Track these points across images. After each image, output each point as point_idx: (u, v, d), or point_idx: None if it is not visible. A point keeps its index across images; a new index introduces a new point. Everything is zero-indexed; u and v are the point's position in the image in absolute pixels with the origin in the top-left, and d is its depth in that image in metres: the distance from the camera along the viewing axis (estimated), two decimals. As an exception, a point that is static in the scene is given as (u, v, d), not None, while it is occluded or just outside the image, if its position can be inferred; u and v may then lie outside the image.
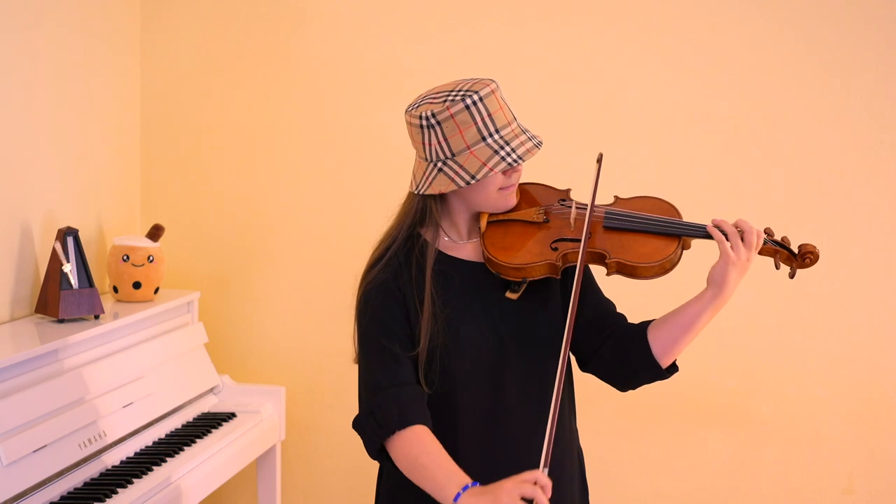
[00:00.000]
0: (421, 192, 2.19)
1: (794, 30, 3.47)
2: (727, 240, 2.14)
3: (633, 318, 2.31)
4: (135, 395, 3.06)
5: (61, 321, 3.07)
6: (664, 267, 2.20)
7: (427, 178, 2.17)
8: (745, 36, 3.49)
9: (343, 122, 3.72)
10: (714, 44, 3.51)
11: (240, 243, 3.82)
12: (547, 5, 3.58)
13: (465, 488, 1.98)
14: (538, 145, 2.17)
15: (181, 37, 3.79)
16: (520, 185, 2.28)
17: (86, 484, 2.77)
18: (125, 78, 3.74)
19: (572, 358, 2.33)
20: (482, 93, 2.13)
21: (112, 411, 2.94)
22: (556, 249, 2.21)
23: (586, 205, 2.25)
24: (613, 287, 2.43)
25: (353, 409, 2.21)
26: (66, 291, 3.06)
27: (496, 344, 2.21)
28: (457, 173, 2.13)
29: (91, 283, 3.13)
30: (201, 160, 3.82)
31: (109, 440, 2.90)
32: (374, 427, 2.10)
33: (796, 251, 2.25)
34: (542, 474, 1.95)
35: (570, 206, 2.27)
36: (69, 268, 3.03)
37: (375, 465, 2.34)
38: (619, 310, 2.33)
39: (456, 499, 1.98)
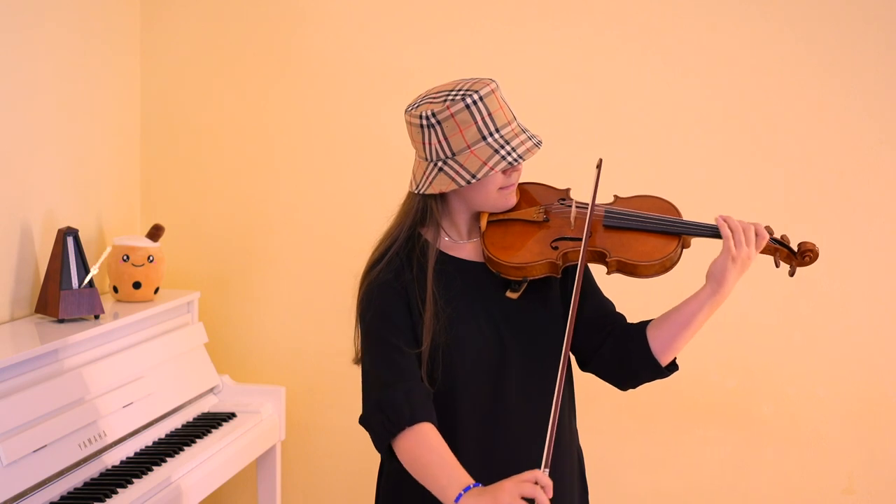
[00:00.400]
0: (421, 192, 2.19)
1: (794, 30, 3.47)
2: (732, 235, 2.15)
3: (633, 317, 2.31)
4: (135, 395, 3.06)
5: (61, 321, 3.07)
6: (664, 265, 2.20)
7: (427, 178, 2.17)
8: (745, 36, 3.49)
9: (343, 122, 3.72)
10: (714, 44, 3.51)
11: (240, 243, 3.82)
12: (547, 5, 3.58)
13: (467, 489, 1.98)
14: (538, 144, 2.17)
15: (181, 37, 3.79)
16: (519, 184, 2.28)
17: (86, 484, 2.77)
18: (125, 78, 3.73)
19: (572, 358, 2.33)
20: (482, 92, 2.13)
21: (112, 411, 2.94)
22: (556, 248, 2.21)
23: (586, 204, 2.25)
24: (613, 287, 2.43)
25: (353, 409, 2.21)
26: (66, 291, 3.06)
27: (496, 344, 2.21)
28: (457, 172, 2.13)
29: (91, 283, 3.13)
30: (201, 160, 3.82)
31: (109, 440, 2.90)
32: (385, 422, 2.09)
33: (796, 249, 2.25)
34: (542, 474, 1.95)
35: (570, 206, 2.27)
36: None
37: (375, 465, 2.34)
38: (618, 309, 2.33)
39: (457, 500, 1.98)
